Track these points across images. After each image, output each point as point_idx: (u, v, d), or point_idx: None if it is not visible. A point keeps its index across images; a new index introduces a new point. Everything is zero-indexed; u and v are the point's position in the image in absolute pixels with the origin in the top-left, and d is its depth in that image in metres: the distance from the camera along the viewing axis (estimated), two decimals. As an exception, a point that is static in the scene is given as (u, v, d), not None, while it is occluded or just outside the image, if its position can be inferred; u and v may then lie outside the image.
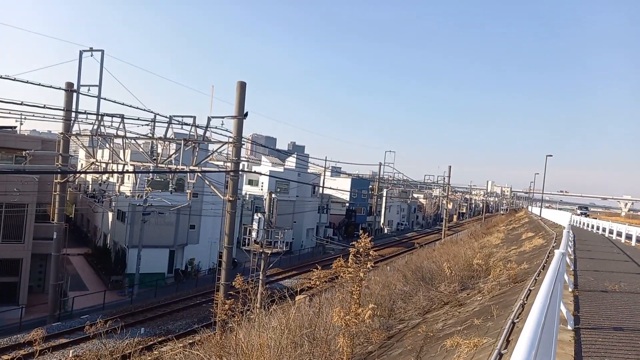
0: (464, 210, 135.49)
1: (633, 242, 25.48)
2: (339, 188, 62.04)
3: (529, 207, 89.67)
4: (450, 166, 63.90)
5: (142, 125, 25.03)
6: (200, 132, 22.21)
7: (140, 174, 30.53)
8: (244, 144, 23.04)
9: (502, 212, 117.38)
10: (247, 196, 51.69)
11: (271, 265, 27.82)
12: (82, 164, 48.94)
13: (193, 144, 22.27)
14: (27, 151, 26.61)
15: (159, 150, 25.51)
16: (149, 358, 21.29)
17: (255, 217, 26.98)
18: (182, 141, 22.37)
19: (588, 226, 39.39)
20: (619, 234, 28.83)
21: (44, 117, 24.09)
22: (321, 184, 59.62)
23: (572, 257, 16.10)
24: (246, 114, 20.55)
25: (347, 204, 69.58)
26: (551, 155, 49.72)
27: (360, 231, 9.06)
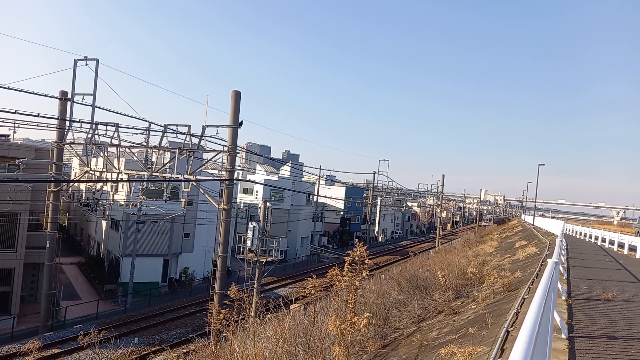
0: (458, 219, 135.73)
1: (625, 251, 25.66)
2: (334, 196, 62.06)
3: (522, 216, 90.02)
4: (443, 175, 64.22)
5: (137, 134, 25.03)
6: (195, 141, 22.19)
7: (134, 183, 30.43)
8: (238, 153, 23.07)
9: (485, 223, 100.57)
10: (242, 205, 51.62)
11: (266, 273, 27.75)
12: (75, 173, 48.71)
13: (188, 153, 22.25)
14: (20, 160, 26.47)
15: (154, 159, 25.50)
16: (143, 368, 21.12)
17: (250, 225, 26.94)
18: (177, 150, 22.35)
19: (581, 234, 39.62)
20: (611, 243, 29.03)
21: (37, 125, 24.01)
22: (316, 193, 59.64)
23: (565, 266, 16.20)
24: (241, 123, 20.59)
25: (342, 213, 69.59)
26: (543, 164, 50.05)
27: (355, 240, 9.10)
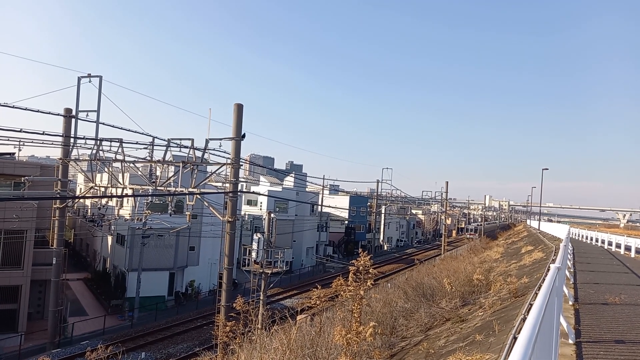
0: (463, 225, 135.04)
1: (632, 254, 25.52)
2: (338, 206, 62.06)
3: (528, 221, 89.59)
4: (447, 182, 63.98)
5: (141, 148, 25.17)
6: (199, 154, 22.31)
7: (139, 197, 30.55)
8: (242, 165, 23.15)
9: (470, 235, 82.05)
10: (246, 216, 51.67)
11: (271, 285, 27.71)
12: (81, 189, 48.98)
13: (191, 166, 22.36)
14: (26, 177, 26.66)
15: (158, 173, 25.59)
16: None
17: (255, 237, 26.96)
18: (181, 163, 22.46)
19: (587, 238, 39.42)
20: (618, 246, 28.87)
21: (42, 143, 24.23)
22: (320, 203, 59.63)
23: (572, 270, 16.13)
24: (244, 136, 20.68)
25: (346, 222, 69.51)
26: (547, 169, 50.02)
27: (360, 249, 9.13)
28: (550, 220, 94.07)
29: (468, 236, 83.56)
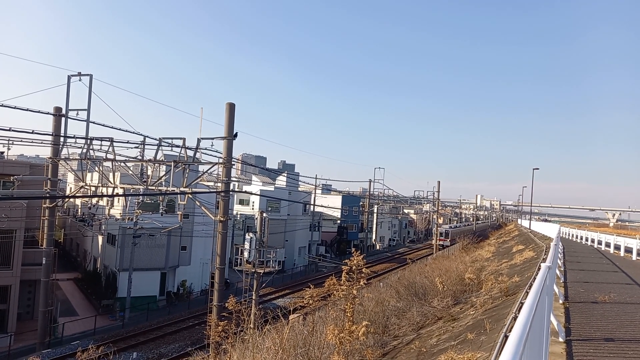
0: (455, 224, 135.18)
1: (622, 253, 25.77)
2: (330, 205, 62.09)
3: (519, 220, 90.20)
4: (439, 181, 64.41)
5: (132, 148, 25.04)
6: (190, 153, 22.23)
7: (130, 197, 30.38)
8: (234, 164, 23.09)
9: (442, 241, 60.86)
10: (238, 216, 51.55)
11: (264, 284, 27.67)
12: (71, 188, 48.61)
13: (183, 166, 22.27)
14: (15, 176, 26.41)
15: (149, 173, 25.46)
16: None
17: (247, 236, 26.91)
18: (172, 163, 22.37)
19: (577, 237, 39.76)
20: (608, 245, 29.13)
21: (32, 142, 24.00)
22: (312, 202, 59.63)
23: (562, 269, 16.26)
24: (235, 135, 20.65)
25: (339, 221, 69.56)
26: (538, 169, 50.22)
27: (352, 248, 9.13)
28: (546, 220, 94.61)
29: (440, 243, 60.81)
